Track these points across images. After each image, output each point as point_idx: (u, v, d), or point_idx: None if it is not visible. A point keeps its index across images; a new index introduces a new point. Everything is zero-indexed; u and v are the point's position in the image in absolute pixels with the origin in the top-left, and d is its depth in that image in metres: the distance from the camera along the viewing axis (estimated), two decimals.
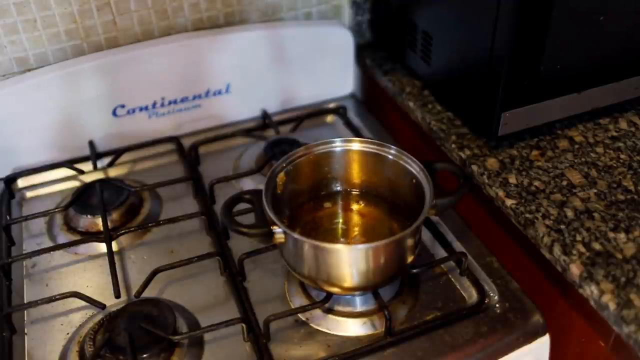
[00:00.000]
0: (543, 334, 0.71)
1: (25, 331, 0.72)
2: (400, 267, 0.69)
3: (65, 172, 0.94)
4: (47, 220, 0.87)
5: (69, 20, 0.90)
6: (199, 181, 0.91)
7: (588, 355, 0.74)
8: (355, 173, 0.79)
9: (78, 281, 0.78)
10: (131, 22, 0.94)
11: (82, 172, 0.94)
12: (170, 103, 0.98)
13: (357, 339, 0.69)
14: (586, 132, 0.87)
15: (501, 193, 0.78)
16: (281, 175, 0.74)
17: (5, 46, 0.88)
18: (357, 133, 0.99)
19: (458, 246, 0.79)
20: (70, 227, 0.85)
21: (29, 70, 0.91)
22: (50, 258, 0.81)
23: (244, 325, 0.68)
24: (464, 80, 0.87)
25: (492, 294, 0.73)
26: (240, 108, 1.03)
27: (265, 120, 1.02)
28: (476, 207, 0.86)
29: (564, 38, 0.77)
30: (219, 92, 1.00)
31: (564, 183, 0.79)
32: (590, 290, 0.66)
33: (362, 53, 1.10)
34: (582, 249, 0.69)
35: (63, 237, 0.83)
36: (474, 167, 0.82)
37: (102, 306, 0.72)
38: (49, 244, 0.83)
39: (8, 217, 0.87)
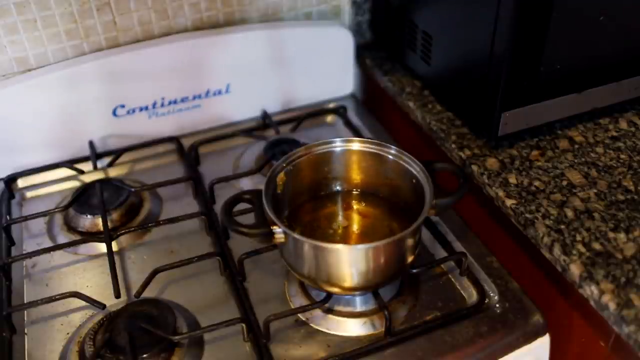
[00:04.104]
0: (543, 334, 0.71)
1: (25, 331, 0.72)
2: (400, 267, 0.69)
3: (65, 172, 0.94)
4: (47, 220, 0.87)
5: (69, 20, 0.90)
6: (199, 181, 0.90)
7: (588, 355, 0.74)
8: (355, 173, 0.79)
9: (78, 281, 0.78)
10: (131, 22, 0.94)
11: (82, 172, 0.94)
12: (170, 103, 0.98)
13: (357, 339, 0.69)
14: (586, 132, 0.87)
15: (501, 193, 0.78)
16: (281, 175, 0.74)
17: (5, 46, 0.88)
18: (357, 133, 0.99)
19: (458, 246, 0.79)
20: (70, 227, 0.85)
21: (29, 70, 0.91)
22: (50, 258, 0.81)
23: (244, 325, 0.68)
24: (464, 80, 0.87)
25: (492, 294, 0.73)
26: (240, 108, 1.03)
27: (265, 120, 1.02)
28: (476, 207, 0.86)
29: (564, 38, 0.77)
30: (219, 92, 1.00)
31: (564, 183, 0.79)
32: (590, 290, 0.66)
33: (362, 53, 1.10)
34: (582, 249, 0.69)
35: (63, 237, 0.83)
36: (474, 167, 0.82)
37: (102, 306, 0.72)
38: (49, 244, 0.83)
39: (8, 217, 0.87)
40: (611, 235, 0.71)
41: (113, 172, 0.95)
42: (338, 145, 0.77)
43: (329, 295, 0.70)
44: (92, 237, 0.81)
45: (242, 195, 0.72)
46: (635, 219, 0.73)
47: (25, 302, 0.75)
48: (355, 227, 0.77)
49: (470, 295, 0.73)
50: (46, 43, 0.90)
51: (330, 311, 0.71)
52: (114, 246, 0.80)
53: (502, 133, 0.82)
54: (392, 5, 1.02)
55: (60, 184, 0.93)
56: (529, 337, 0.70)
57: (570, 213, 0.74)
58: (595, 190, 0.77)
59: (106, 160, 0.95)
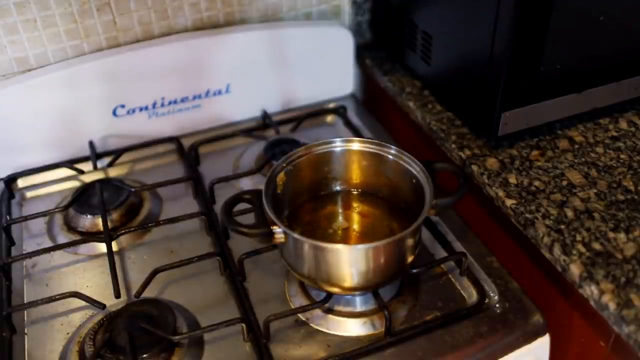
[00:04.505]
0: (543, 334, 0.71)
1: (25, 331, 0.72)
2: (400, 267, 0.69)
3: (65, 172, 0.94)
4: (47, 220, 0.87)
5: (69, 20, 0.90)
6: (199, 181, 0.90)
7: (588, 355, 0.74)
8: (355, 173, 0.79)
9: (78, 281, 0.78)
10: (131, 22, 0.94)
11: (82, 172, 0.94)
12: (170, 103, 0.98)
13: (357, 339, 0.69)
14: (586, 132, 0.87)
15: (501, 193, 0.78)
16: (281, 175, 0.74)
17: (5, 46, 0.88)
18: (357, 133, 0.99)
19: (458, 246, 0.79)
20: (70, 227, 0.85)
21: (29, 70, 0.91)
22: (50, 258, 0.81)
23: (244, 325, 0.68)
24: (464, 80, 0.87)
25: (492, 294, 0.73)
26: (240, 108, 1.03)
27: (265, 120, 1.02)
28: (476, 207, 0.86)
29: (564, 38, 0.77)
30: (219, 92, 1.00)
31: (564, 183, 0.79)
32: (590, 290, 0.66)
33: (362, 53, 1.10)
34: (582, 249, 0.69)
35: (63, 237, 0.83)
36: (474, 167, 0.82)
37: (102, 306, 0.72)
38: (49, 244, 0.83)
39: (8, 217, 0.87)
40: (611, 235, 0.71)
41: (113, 172, 0.95)
42: (338, 145, 0.77)
43: (329, 295, 0.70)
44: (92, 237, 0.81)
45: (242, 195, 0.72)
46: (635, 219, 0.73)
47: (25, 302, 0.75)
48: (355, 227, 0.77)
49: (470, 295, 0.73)
50: (46, 43, 0.90)
51: (330, 311, 0.71)
52: (114, 246, 0.80)
53: (502, 133, 0.82)
54: (392, 5, 1.02)
55: (60, 184, 0.93)
56: (529, 337, 0.70)
57: (570, 213, 0.74)
58: (595, 190, 0.77)
59: (106, 160, 0.95)
